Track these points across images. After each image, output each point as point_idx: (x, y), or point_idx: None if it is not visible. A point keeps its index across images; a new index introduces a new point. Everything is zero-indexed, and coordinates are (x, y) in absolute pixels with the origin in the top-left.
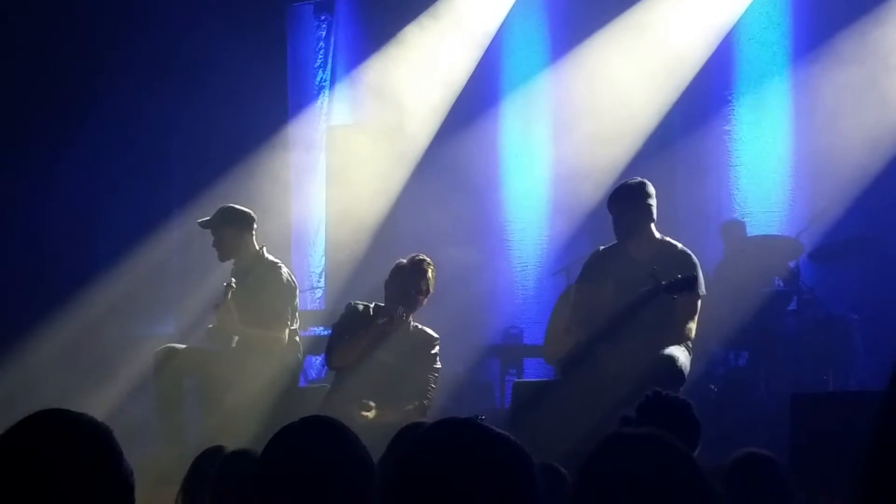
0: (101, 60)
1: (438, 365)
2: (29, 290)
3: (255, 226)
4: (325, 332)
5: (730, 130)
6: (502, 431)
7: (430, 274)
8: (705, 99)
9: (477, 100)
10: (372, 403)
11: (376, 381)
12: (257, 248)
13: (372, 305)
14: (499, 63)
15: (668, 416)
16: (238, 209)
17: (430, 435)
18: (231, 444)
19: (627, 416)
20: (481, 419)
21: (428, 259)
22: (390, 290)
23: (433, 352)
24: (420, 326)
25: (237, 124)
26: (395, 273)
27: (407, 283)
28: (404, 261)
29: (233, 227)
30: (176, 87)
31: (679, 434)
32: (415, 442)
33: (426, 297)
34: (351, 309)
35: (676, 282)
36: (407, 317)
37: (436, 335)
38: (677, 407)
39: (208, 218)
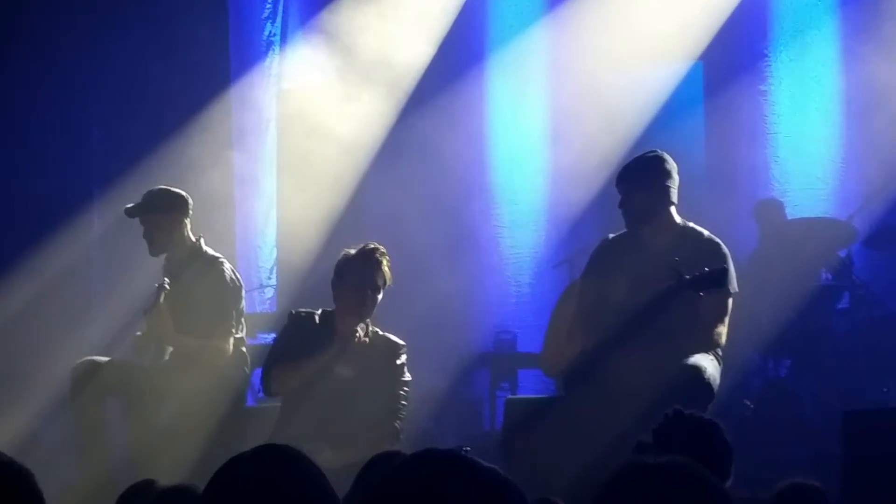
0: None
1: (408, 377)
2: None
3: (190, 211)
4: None
5: (766, 91)
6: (491, 466)
7: (385, 265)
8: (736, 52)
9: (460, 56)
10: (325, 445)
11: (334, 402)
12: (193, 239)
13: (318, 313)
14: (485, 11)
15: (693, 440)
16: (171, 191)
17: (404, 471)
18: (165, 478)
19: (644, 442)
20: (466, 451)
21: (381, 247)
22: (340, 290)
23: (399, 361)
24: (381, 332)
25: (170, 88)
26: (342, 269)
27: (360, 280)
28: (352, 251)
29: (165, 213)
30: (95, 39)
31: (707, 461)
32: (387, 479)
33: (381, 292)
34: (293, 319)
35: (702, 276)
36: (362, 314)
37: (401, 342)
38: (704, 428)
39: (135, 204)
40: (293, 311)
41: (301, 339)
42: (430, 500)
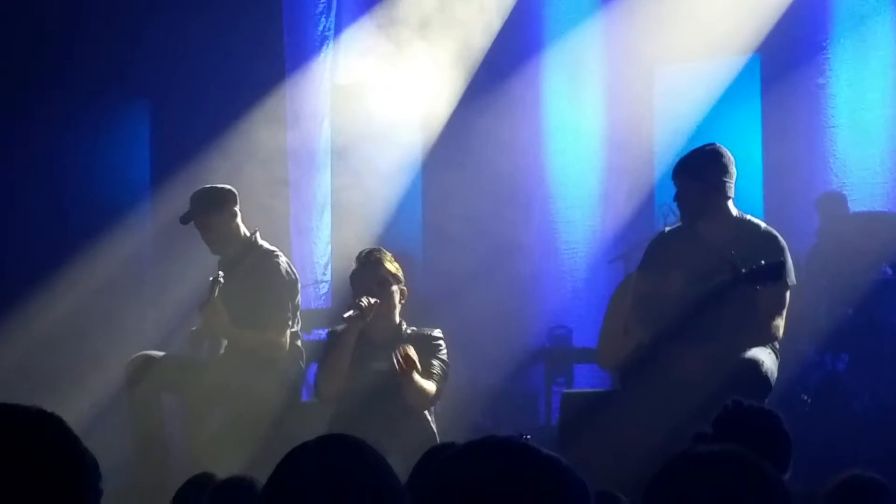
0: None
1: (444, 355)
2: None
3: (238, 203)
4: None
5: (825, 84)
6: (552, 453)
7: (386, 263)
8: (794, 45)
9: (515, 50)
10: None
11: (378, 397)
12: (248, 233)
13: None
14: (541, 4)
15: (751, 432)
16: (219, 188)
17: (465, 457)
18: (222, 471)
19: (702, 432)
20: (526, 438)
21: (377, 248)
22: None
23: (434, 343)
24: (416, 329)
25: (221, 84)
26: (351, 280)
27: (364, 283)
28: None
29: (220, 211)
30: (147, 34)
31: (766, 453)
32: (447, 465)
33: (395, 285)
34: (333, 334)
35: (760, 269)
36: (381, 308)
37: (436, 330)
38: (763, 420)
39: (186, 211)
40: (332, 329)
41: None
42: (492, 486)
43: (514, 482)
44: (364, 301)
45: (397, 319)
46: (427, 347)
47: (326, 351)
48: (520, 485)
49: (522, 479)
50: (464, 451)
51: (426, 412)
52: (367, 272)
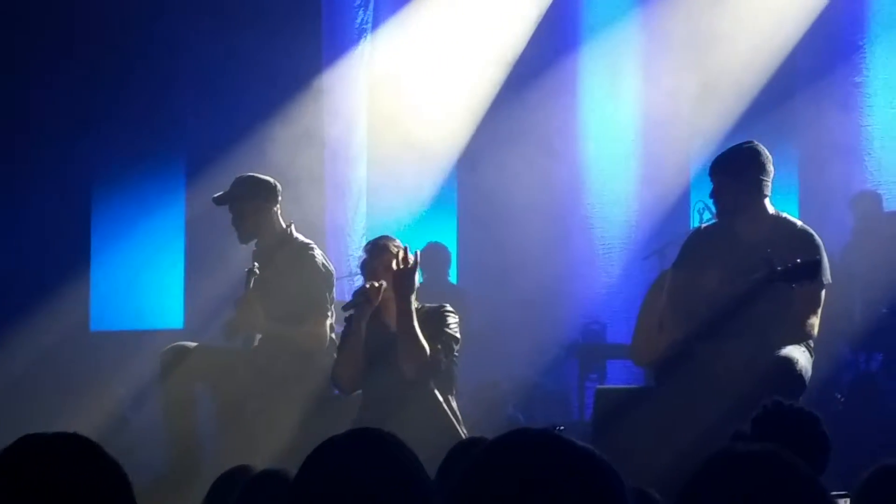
0: None
1: (453, 332)
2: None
3: (279, 198)
4: None
5: (861, 83)
6: (587, 445)
7: (392, 248)
8: (832, 44)
9: (553, 45)
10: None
11: (395, 382)
12: (283, 225)
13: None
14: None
15: (790, 432)
16: (259, 178)
17: (499, 449)
18: (256, 463)
19: (741, 431)
20: (560, 430)
21: (385, 235)
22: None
23: (440, 314)
24: (427, 305)
25: (260, 75)
26: (360, 270)
27: (373, 269)
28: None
29: (254, 200)
30: (185, 24)
31: (804, 453)
32: (481, 457)
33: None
34: (348, 322)
35: (795, 267)
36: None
37: (444, 304)
38: (802, 420)
39: (223, 192)
40: (347, 316)
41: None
42: (527, 478)
43: (549, 473)
44: (368, 285)
45: (412, 303)
46: (434, 320)
47: (341, 340)
48: (554, 476)
49: (557, 471)
50: (498, 443)
51: (443, 403)
52: (373, 259)
